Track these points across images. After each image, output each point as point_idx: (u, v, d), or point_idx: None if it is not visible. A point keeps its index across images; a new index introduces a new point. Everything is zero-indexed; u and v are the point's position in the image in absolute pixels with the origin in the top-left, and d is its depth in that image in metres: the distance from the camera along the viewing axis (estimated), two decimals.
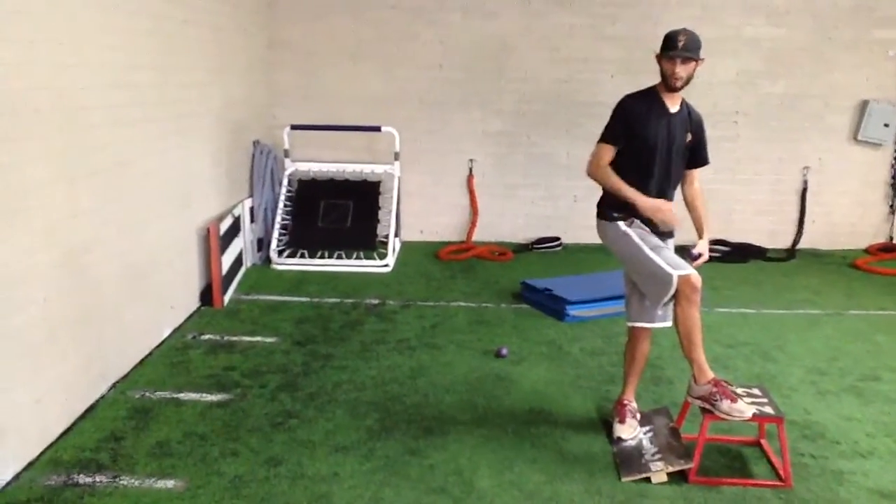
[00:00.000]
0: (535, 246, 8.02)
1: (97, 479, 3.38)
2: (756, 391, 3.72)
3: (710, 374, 3.52)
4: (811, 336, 5.48)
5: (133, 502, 3.21)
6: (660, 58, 3.60)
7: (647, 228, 3.69)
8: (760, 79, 7.94)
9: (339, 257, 7.07)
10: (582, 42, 7.85)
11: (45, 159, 3.61)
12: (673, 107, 3.66)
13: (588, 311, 5.63)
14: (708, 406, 3.47)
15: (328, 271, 6.90)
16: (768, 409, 3.54)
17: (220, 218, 5.98)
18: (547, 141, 8.09)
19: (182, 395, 4.24)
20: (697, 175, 3.88)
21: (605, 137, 3.68)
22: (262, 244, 7.16)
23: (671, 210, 3.63)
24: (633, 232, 3.68)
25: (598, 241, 3.94)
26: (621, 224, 3.71)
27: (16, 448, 3.40)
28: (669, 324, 3.74)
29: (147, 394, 4.25)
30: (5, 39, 3.28)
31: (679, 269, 3.51)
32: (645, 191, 3.64)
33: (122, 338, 4.44)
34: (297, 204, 7.42)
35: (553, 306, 5.78)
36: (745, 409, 3.40)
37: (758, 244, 7.99)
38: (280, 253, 7.06)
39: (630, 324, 3.87)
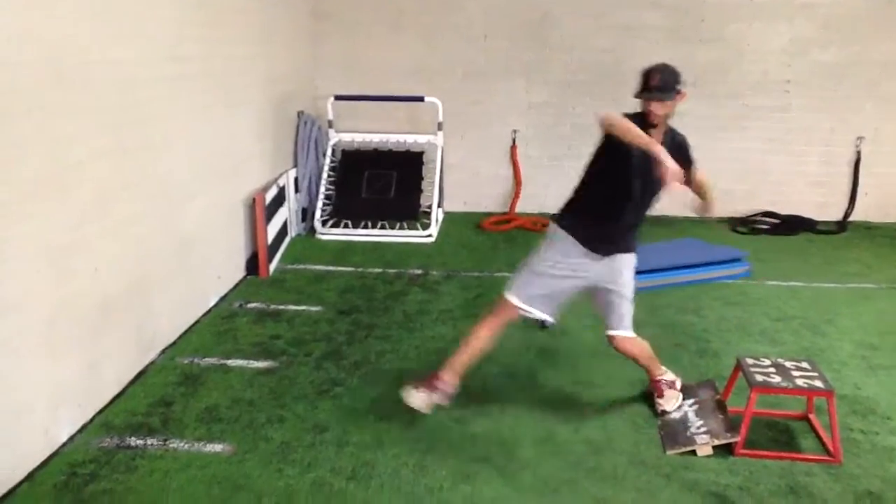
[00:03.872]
0: None
1: (148, 442, 3.47)
2: (805, 364, 3.66)
3: (456, 379, 3.65)
4: (862, 310, 5.36)
5: (183, 465, 3.29)
6: (637, 96, 3.42)
7: (570, 255, 3.62)
8: (814, 45, 7.69)
9: (383, 228, 7.09)
10: (627, 10, 7.67)
11: (97, 132, 3.67)
12: (657, 136, 3.41)
13: None
14: None
15: (372, 241, 6.94)
16: (818, 383, 3.48)
17: (266, 188, 6.03)
18: (592, 111, 7.93)
19: (230, 362, 4.32)
20: (697, 173, 3.61)
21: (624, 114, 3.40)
22: (307, 214, 7.22)
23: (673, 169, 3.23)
24: (548, 249, 3.69)
25: None
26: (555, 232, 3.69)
27: (71, 412, 3.51)
28: (632, 334, 3.75)
29: (195, 360, 4.34)
30: (56, 16, 3.32)
31: (510, 291, 3.72)
32: (621, 214, 3.54)
33: (170, 306, 4.53)
34: (340, 174, 7.45)
35: None
36: None
37: (808, 216, 7.82)
38: (324, 223, 7.12)
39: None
